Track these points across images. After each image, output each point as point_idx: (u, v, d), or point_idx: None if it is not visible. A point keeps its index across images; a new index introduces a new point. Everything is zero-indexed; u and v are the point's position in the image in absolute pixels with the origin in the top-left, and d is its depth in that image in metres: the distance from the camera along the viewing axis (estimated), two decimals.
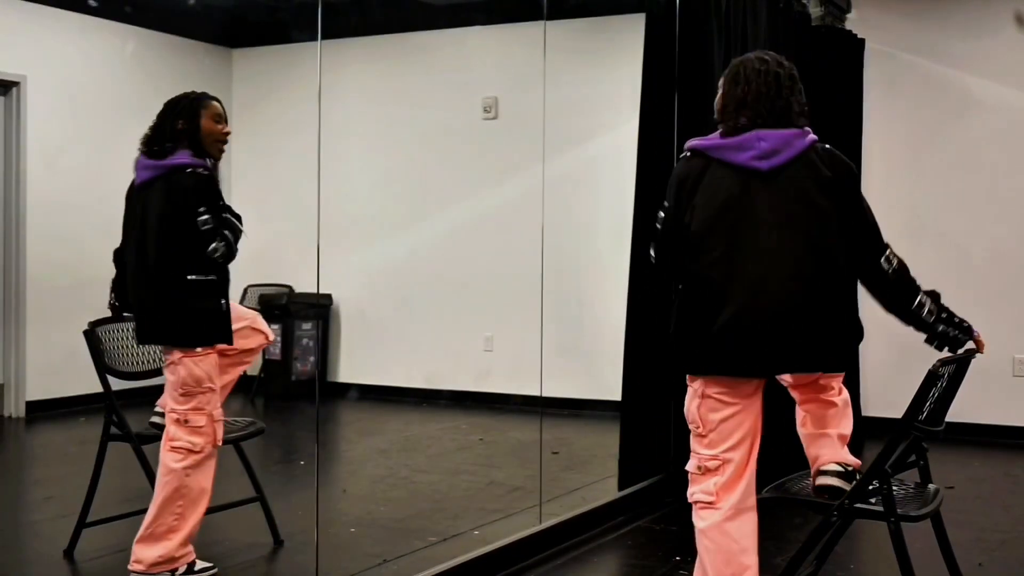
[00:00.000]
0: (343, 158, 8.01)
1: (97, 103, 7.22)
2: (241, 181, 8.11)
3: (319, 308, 8.11)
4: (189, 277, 3.57)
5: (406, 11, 7.83)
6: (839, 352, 2.96)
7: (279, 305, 7.95)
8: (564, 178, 6.88)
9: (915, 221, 6.83)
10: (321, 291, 8.00)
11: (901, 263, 2.95)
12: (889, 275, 2.93)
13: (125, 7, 7.16)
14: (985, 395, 6.42)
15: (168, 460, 3.64)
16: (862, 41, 6.94)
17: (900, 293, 2.96)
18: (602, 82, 7.36)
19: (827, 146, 2.94)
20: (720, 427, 2.95)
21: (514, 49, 7.57)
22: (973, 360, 3.10)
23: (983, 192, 6.83)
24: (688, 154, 2.98)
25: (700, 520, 3.00)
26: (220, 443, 3.76)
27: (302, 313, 8.04)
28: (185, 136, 3.66)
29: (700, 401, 2.97)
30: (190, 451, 3.64)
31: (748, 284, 2.83)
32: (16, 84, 6.75)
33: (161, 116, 3.71)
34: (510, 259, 7.45)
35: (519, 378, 7.37)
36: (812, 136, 2.92)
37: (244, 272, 8.07)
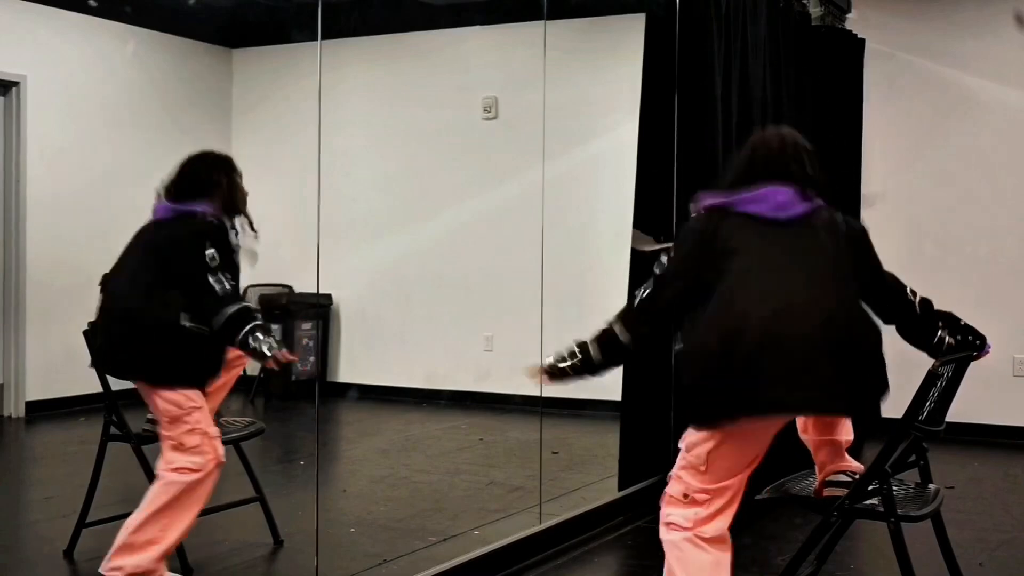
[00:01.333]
0: (343, 158, 8.00)
1: (97, 103, 7.21)
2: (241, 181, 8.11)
3: (319, 308, 8.10)
4: (183, 324, 3.48)
5: (406, 11, 7.83)
6: (868, 399, 2.82)
7: (279, 305, 7.95)
8: (564, 178, 6.86)
9: (915, 221, 6.83)
10: (321, 291, 8.00)
11: (924, 297, 3.04)
12: (916, 307, 3.01)
13: (125, 7, 7.16)
14: (985, 395, 6.41)
15: (169, 477, 3.53)
16: (862, 41, 6.94)
17: (925, 326, 3.04)
18: (602, 82, 7.35)
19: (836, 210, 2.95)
20: (727, 469, 2.82)
21: (514, 49, 7.56)
22: (973, 361, 3.11)
23: (983, 192, 6.82)
24: (703, 212, 2.91)
25: (672, 534, 2.86)
26: (223, 460, 3.64)
27: (302, 313, 8.03)
28: (220, 190, 3.63)
29: (715, 445, 2.79)
30: (192, 470, 3.55)
31: (770, 317, 2.70)
32: (16, 84, 6.75)
33: (193, 167, 3.67)
34: (510, 259, 7.45)
35: (519, 378, 7.30)
36: (822, 202, 2.89)
37: (244, 272, 8.08)
